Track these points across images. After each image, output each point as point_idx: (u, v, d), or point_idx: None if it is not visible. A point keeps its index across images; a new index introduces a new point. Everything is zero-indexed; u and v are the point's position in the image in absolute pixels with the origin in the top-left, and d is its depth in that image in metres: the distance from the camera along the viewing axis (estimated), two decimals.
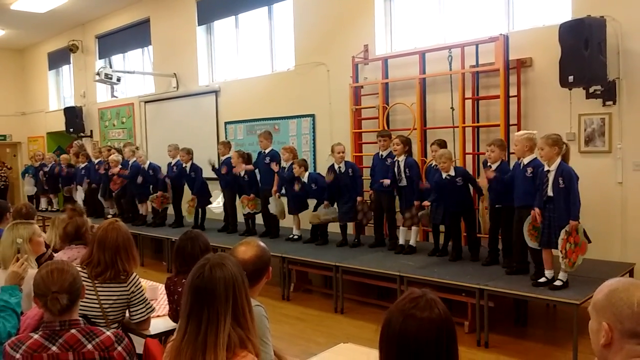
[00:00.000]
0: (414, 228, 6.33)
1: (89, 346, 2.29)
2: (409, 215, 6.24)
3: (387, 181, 6.31)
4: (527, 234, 4.98)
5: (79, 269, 3.22)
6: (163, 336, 3.36)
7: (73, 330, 2.31)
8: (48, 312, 2.32)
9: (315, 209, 7.09)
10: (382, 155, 6.65)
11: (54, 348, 2.26)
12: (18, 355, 2.23)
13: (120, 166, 9.41)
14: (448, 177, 5.81)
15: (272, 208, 7.52)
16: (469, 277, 5.21)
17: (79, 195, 10.81)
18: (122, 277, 3.22)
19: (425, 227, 6.56)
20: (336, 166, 6.85)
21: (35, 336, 2.28)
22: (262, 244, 2.52)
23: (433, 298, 1.62)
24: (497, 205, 5.47)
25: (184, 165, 8.60)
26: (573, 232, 4.64)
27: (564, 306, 4.95)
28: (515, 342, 5.07)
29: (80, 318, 2.38)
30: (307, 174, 7.12)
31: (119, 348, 2.34)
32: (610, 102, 5.66)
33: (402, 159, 6.31)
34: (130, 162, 9.31)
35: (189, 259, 3.24)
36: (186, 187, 8.79)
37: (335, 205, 6.94)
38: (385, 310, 1.66)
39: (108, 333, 2.36)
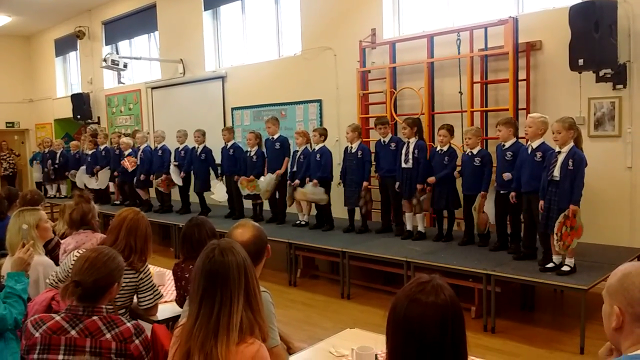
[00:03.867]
0: (419, 214, 6.29)
1: (108, 335, 2.28)
2: (416, 201, 6.20)
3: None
4: None
5: None
6: (170, 322, 3.38)
7: (95, 317, 2.31)
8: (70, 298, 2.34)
9: (302, 185, 7.10)
10: (384, 142, 6.62)
11: (73, 332, 2.26)
12: (37, 334, 2.25)
13: (130, 150, 9.52)
14: (470, 153, 5.79)
15: (262, 184, 7.54)
16: (476, 262, 5.20)
17: (79, 178, 10.82)
18: (139, 264, 3.29)
19: (425, 211, 6.47)
20: (348, 146, 6.86)
21: (57, 317, 2.30)
22: (256, 223, 2.51)
23: (440, 284, 1.59)
24: (502, 192, 5.43)
25: (196, 146, 8.57)
26: (571, 216, 4.60)
27: (571, 291, 4.93)
28: (522, 328, 5.06)
29: (103, 306, 2.36)
30: (321, 145, 7.12)
31: (137, 341, 2.32)
32: (621, 86, 5.59)
33: (412, 140, 6.24)
34: (141, 148, 9.36)
35: (196, 245, 3.27)
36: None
37: (323, 190, 6.94)
38: (392, 295, 1.65)
39: (128, 325, 2.34)
